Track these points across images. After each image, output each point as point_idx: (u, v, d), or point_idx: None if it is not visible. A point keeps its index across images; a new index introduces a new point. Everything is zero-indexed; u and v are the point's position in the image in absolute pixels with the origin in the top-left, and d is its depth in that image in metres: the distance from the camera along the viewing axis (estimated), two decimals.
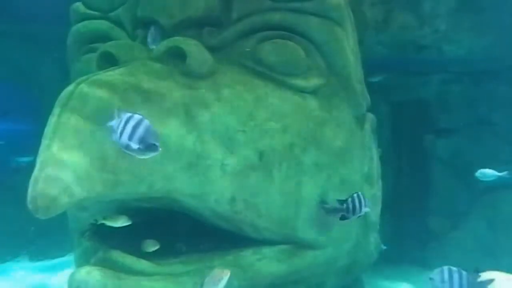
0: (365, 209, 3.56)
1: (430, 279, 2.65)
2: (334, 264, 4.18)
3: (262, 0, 3.87)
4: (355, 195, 3.57)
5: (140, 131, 2.30)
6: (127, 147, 2.32)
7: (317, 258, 3.98)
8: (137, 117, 2.30)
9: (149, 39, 3.66)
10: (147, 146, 2.31)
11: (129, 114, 2.31)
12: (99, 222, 3.45)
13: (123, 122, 2.31)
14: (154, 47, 3.60)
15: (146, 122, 2.32)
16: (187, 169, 3.32)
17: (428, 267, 3.04)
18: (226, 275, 2.85)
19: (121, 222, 3.43)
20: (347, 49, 4.08)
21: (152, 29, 3.66)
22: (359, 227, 4.30)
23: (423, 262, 5.72)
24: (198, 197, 3.43)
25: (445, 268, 2.64)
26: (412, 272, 5.65)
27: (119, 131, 2.32)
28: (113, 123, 2.36)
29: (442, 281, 2.60)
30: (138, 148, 2.32)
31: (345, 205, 3.56)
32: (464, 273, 2.63)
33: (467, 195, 5.89)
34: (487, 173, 4.36)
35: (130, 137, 2.31)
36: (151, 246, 3.46)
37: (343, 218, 3.62)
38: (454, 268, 2.65)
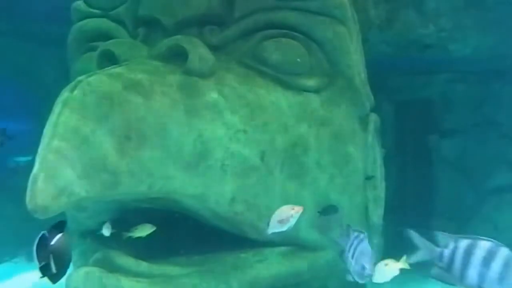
0: None
1: None
2: (337, 267, 4.11)
3: None
4: None
5: (368, 257, 2.24)
6: (358, 274, 2.24)
7: (319, 260, 3.92)
8: (363, 236, 2.22)
9: None
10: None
11: (355, 234, 2.23)
12: (126, 236, 3.42)
13: (354, 245, 2.21)
14: None
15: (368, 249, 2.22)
16: (187, 169, 3.27)
17: None
18: (297, 212, 2.38)
19: (147, 230, 3.41)
20: (351, 48, 4.03)
21: None
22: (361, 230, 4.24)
23: (428, 266, 5.62)
24: (198, 198, 3.39)
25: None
26: (417, 277, 5.56)
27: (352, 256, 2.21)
28: (346, 242, 2.21)
29: None
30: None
31: None
32: None
33: (473, 197, 5.81)
34: None
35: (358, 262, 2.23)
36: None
37: None
38: None
